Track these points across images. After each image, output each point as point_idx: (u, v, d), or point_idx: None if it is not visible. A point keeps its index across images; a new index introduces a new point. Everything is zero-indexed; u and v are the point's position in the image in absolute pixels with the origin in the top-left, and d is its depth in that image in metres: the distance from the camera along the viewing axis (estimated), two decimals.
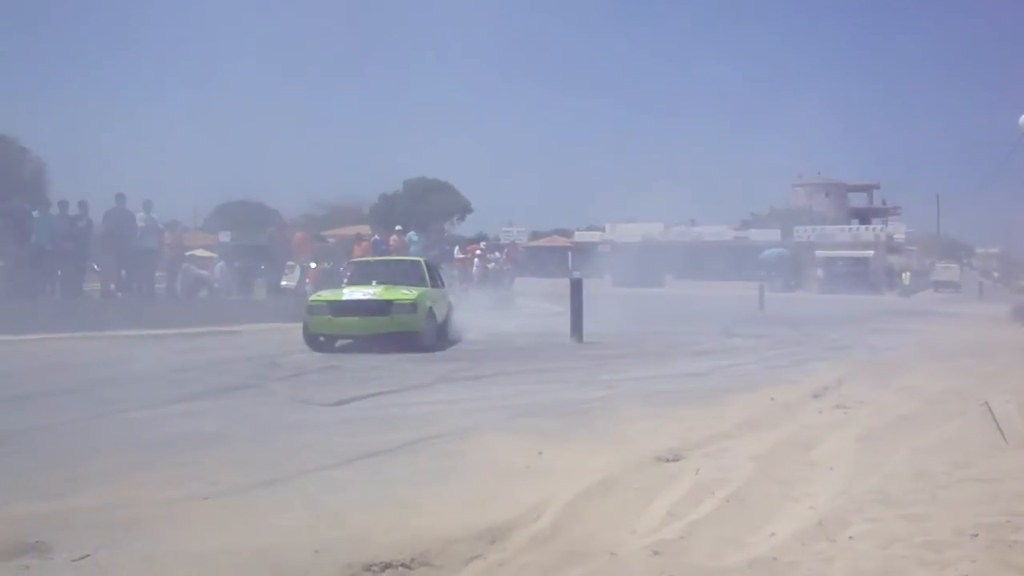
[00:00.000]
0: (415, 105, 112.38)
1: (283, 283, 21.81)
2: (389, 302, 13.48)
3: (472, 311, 19.90)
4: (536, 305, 25.24)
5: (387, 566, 3.77)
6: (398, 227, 25.89)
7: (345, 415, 7.61)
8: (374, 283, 14.34)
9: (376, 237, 23.97)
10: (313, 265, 22.13)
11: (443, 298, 15.48)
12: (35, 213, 17.29)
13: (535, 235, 67.02)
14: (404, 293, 13.68)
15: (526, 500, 4.69)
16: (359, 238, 24.53)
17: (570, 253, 60.24)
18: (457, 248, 28.99)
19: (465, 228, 62.55)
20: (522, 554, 3.95)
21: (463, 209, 64.94)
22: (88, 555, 3.84)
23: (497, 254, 29.16)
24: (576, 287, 15.33)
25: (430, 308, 13.94)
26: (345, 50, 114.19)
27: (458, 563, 3.85)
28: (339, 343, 13.80)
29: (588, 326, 14.99)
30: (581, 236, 63.41)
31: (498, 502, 4.70)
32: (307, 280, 21.44)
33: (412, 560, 3.83)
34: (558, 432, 6.74)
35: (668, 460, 5.68)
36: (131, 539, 4.11)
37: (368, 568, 3.74)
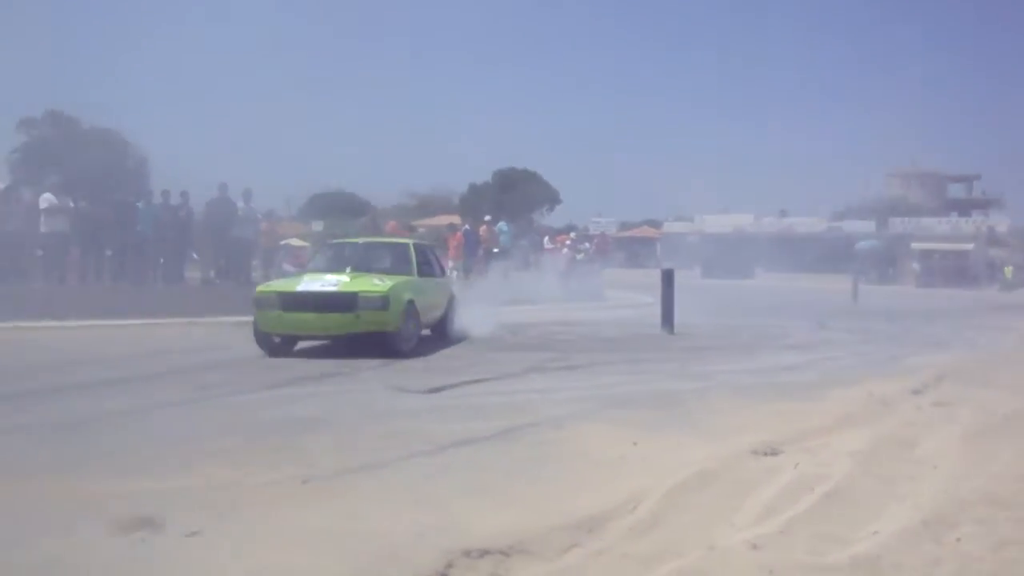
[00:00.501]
0: (506, 95, 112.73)
1: None
2: (354, 295, 10.98)
3: (561, 301, 19.98)
4: (625, 296, 25.11)
5: (485, 552, 3.80)
6: (487, 217, 25.98)
7: (438, 403, 7.68)
8: (348, 270, 11.97)
9: (467, 227, 24.08)
10: None
11: (436, 290, 13.09)
12: (139, 204, 17.95)
13: (624, 226, 66.73)
14: (375, 284, 11.20)
15: (622, 490, 4.69)
16: (453, 228, 24.61)
17: (659, 244, 59.85)
18: (547, 238, 28.99)
19: (554, 218, 62.64)
20: (620, 544, 3.95)
21: (552, 199, 64.98)
22: (197, 532, 3.98)
23: (587, 244, 29.04)
24: (667, 278, 15.18)
25: (410, 302, 11.38)
26: (435, 39, 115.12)
27: (556, 552, 3.87)
28: (300, 345, 11.55)
29: (679, 317, 14.84)
30: (670, 227, 62.92)
31: (594, 492, 4.71)
32: None
33: (510, 547, 3.86)
34: (652, 423, 6.70)
35: (765, 454, 5.61)
36: (237, 518, 4.24)
37: (467, 554, 3.77)
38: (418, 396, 8.00)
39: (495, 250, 23.84)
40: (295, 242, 26.34)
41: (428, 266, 13.29)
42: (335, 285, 11.23)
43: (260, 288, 11.79)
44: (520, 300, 18.59)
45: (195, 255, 20.86)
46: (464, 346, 12.36)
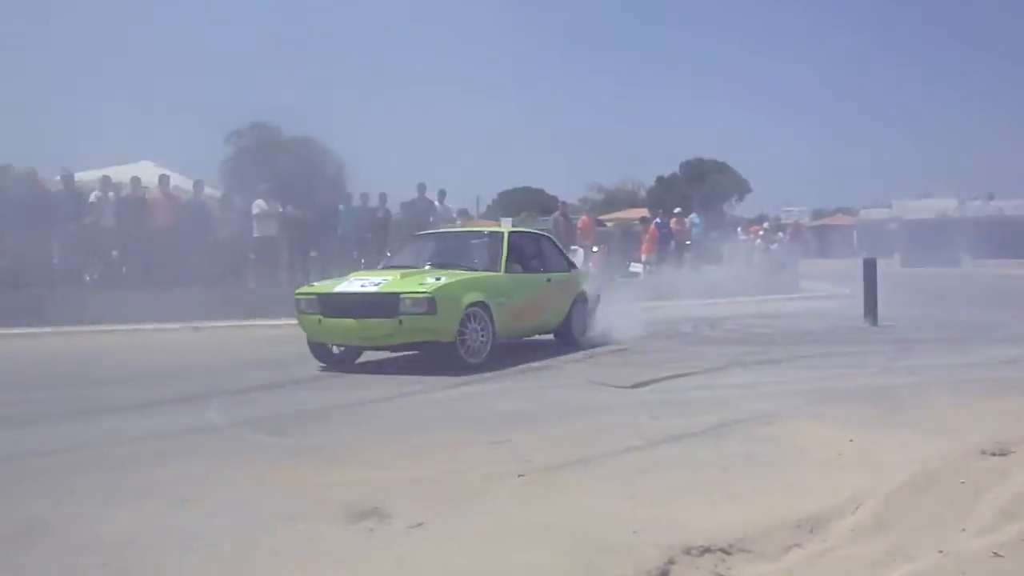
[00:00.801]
0: (692, 85, 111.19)
1: None
2: (396, 296, 9.13)
3: (756, 293, 19.61)
4: (822, 287, 24.44)
5: (706, 550, 3.77)
6: (677, 209, 25.67)
7: (643, 397, 7.66)
8: (428, 266, 10.27)
9: (658, 220, 23.87)
10: (595, 249, 22.34)
11: (542, 288, 11.03)
12: (341, 206, 18.77)
13: (817, 214, 64.62)
14: (422, 284, 9.27)
15: (842, 489, 4.54)
16: (646, 221, 24.45)
17: (855, 232, 57.57)
18: (740, 229, 28.43)
19: (743, 208, 61.38)
20: (843, 546, 3.83)
21: (741, 189, 63.64)
22: (422, 523, 4.10)
23: (780, 235, 28.30)
24: (869, 267, 14.68)
25: (478, 305, 9.52)
26: (619, 32, 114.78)
27: (777, 551, 3.79)
28: (365, 355, 10.17)
29: (881, 308, 14.30)
30: (867, 214, 60.41)
31: (813, 490, 4.58)
32: (591, 264, 21.61)
33: (730, 546, 3.81)
34: (866, 419, 6.47)
35: (994, 454, 5.29)
36: (458, 510, 4.35)
37: (687, 551, 3.75)
38: (622, 391, 8.00)
39: (687, 242, 23.59)
40: None
41: (539, 259, 11.49)
42: (377, 285, 9.49)
43: (300, 289, 10.21)
44: (715, 293, 18.39)
45: (388, 254, 21.54)
46: (662, 340, 12.31)
